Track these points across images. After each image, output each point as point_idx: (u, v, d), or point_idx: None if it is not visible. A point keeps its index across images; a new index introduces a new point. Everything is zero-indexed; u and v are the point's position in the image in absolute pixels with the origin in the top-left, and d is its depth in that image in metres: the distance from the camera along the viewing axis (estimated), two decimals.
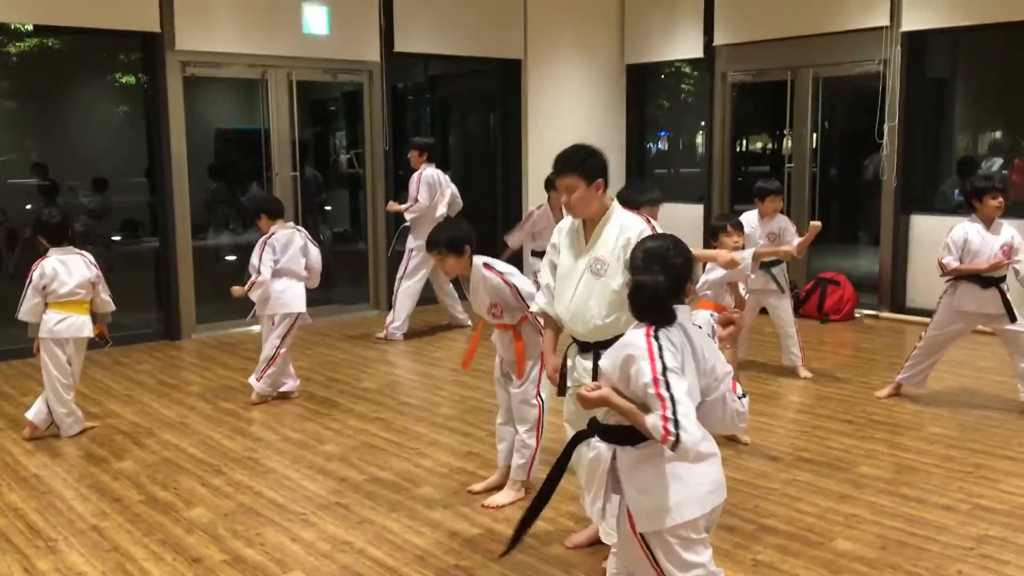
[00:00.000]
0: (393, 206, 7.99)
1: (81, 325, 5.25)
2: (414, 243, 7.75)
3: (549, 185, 7.03)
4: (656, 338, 2.52)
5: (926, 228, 8.39)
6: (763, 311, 6.65)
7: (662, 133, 11.91)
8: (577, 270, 3.49)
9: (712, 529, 2.76)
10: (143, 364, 7.15)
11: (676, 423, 2.42)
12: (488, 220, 9.84)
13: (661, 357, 2.48)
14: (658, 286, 2.58)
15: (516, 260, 6.21)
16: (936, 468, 4.71)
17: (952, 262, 5.59)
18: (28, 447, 5.18)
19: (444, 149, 12.08)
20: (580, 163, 3.42)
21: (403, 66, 9.83)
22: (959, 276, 5.60)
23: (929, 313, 7.90)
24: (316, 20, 7.96)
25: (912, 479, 4.55)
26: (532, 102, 9.92)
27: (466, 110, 11.98)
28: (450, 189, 7.94)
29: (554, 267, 3.63)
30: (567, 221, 3.63)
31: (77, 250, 5.34)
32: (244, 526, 4.10)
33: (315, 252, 6.11)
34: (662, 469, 2.59)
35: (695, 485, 2.61)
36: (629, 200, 3.95)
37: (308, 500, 4.38)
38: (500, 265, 4.28)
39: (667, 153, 11.84)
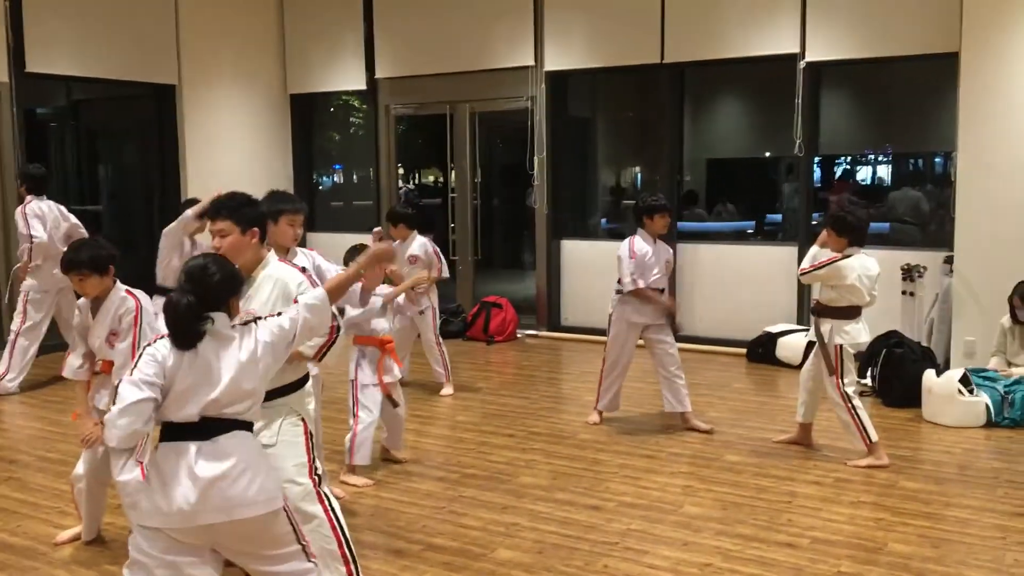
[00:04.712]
0: (22, 270, 7.04)
1: None
2: (32, 285, 7.01)
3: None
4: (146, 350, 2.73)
5: (576, 252, 9.09)
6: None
7: (337, 167, 11.85)
8: None
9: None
10: None
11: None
12: (147, 252, 9.16)
13: (137, 365, 2.70)
14: (188, 304, 2.70)
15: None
16: (586, 471, 5.07)
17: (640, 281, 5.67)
18: None
19: (93, 180, 11.16)
20: (236, 208, 3.32)
21: (39, 89, 8.95)
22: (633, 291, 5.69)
23: (582, 331, 8.66)
24: None
25: (565, 484, 4.87)
26: (190, 130, 9.43)
27: (118, 138, 11.14)
28: (68, 223, 7.19)
29: None
30: None
31: None
32: None
33: None
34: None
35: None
36: (270, 212, 3.87)
37: None
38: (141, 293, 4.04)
39: (343, 186, 11.80)
